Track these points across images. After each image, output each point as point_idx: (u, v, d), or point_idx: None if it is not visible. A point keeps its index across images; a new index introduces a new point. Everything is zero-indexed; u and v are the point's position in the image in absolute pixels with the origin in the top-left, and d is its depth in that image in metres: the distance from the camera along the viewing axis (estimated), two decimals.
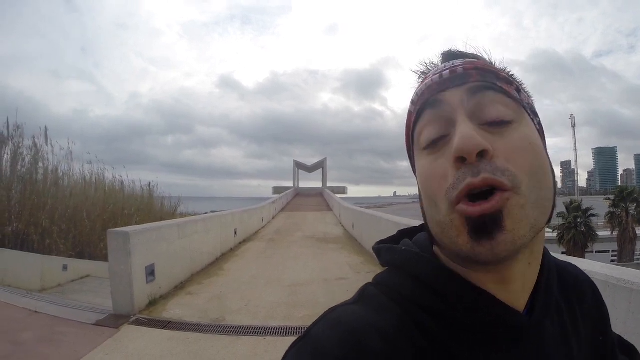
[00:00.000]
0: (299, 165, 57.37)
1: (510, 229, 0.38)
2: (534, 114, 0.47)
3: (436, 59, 0.50)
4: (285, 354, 0.41)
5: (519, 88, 0.47)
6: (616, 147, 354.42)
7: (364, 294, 0.47)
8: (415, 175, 0.48)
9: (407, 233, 0.56)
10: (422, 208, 0.47)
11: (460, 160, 0.40)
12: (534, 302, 0.45)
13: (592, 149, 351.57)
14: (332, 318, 0.42)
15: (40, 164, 10.14)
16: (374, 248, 0.54)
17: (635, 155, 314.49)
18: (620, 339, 0.61)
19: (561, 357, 0.46)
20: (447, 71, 0.45)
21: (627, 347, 0.61)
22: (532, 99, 0.49)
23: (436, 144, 0.44)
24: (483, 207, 0.38)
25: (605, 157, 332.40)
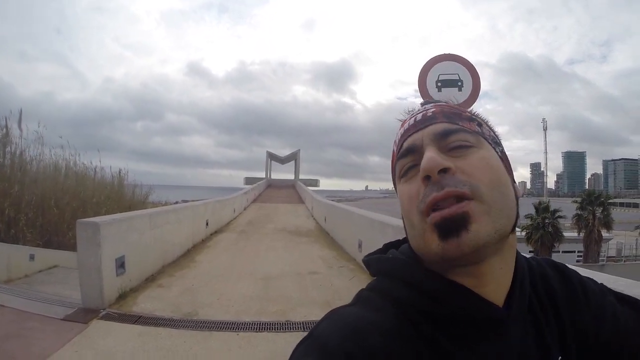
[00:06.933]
0: (271, 157, 56.91)
1: (475, 230, 0.45)
2: (495, 144, 0.56)
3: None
4: (292, 353, 0.45)
5: (480, 123, 0.56)
6: (585, 152, 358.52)
7: (360, 297, 0.53)
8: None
9: (393, 245, 0.62)
10: (405, 229, 0.54)
11: (427, 178, 0.48)
12: (510, 299, 0.51)
13: (562, 152, 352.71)
14: (334, 318, 0.47)
15: (8, 148, 9.76)
16: (363, 260, 0.60)
17: (604, 160, 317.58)
18: (622, 295, 0.64)
19: (537, 344, 0.53)
20: (420, 115, 0.56)
21: (632, 302, 0.63)
22: (496, 132, 0.59)
23: (408, 172, 0.53)
24: (444, 212, 0.46)
25: (574, 161, 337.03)
